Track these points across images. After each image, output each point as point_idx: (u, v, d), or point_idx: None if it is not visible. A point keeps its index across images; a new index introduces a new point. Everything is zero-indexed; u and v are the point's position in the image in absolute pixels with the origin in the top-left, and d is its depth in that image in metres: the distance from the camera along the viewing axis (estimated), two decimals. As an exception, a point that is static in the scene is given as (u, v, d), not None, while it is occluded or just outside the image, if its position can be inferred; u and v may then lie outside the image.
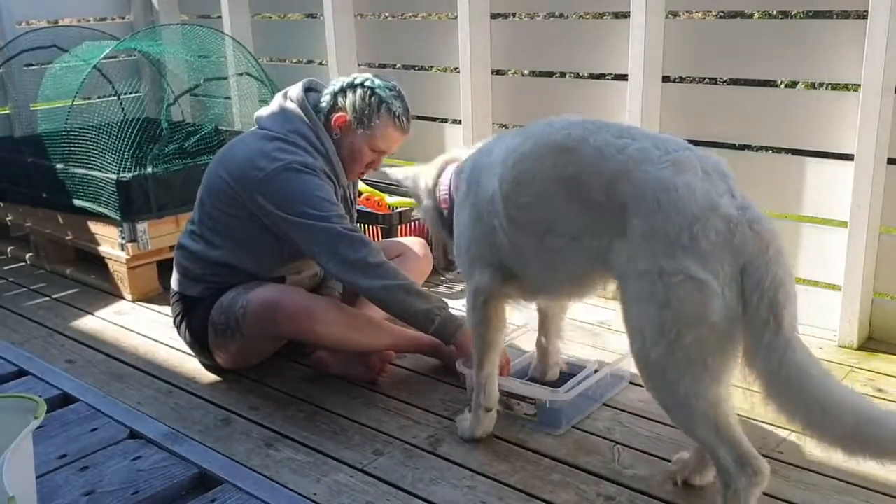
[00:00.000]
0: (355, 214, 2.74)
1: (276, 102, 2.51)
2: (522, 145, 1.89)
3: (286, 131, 2.41)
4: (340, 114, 2.42)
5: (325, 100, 2.46)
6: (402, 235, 3.28)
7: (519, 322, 2.62)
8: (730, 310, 1.55)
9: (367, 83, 2.40)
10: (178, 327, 2.60)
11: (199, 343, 2.52)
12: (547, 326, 2.36)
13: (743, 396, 2.31)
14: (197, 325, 2.50)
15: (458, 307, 2.92)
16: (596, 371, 2.30)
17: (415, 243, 2.89)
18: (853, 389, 1.56)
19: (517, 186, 1.86)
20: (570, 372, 2.38)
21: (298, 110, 2.45)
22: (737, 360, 1.61)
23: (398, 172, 2.38)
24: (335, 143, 2.45)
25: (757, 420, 2.18)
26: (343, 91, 2.43)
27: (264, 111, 2.53)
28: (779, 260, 1.55)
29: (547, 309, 2.33)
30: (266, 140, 2.40)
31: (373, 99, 2.38)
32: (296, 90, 2.48)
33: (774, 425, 2.15)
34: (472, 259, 2.05)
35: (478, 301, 2.04)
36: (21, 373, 2.40)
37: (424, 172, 2.29)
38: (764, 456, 1.98)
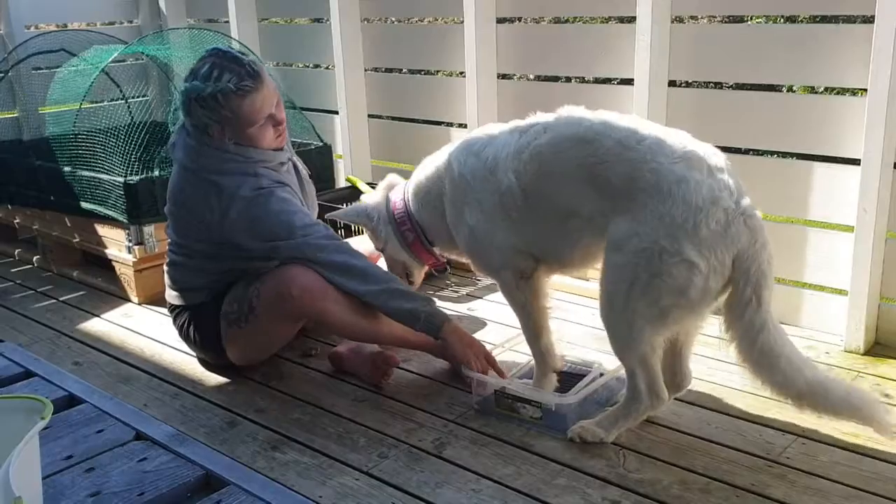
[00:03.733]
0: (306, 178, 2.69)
1: (179, 138, 2.47)
2: (538, 139, 2.07)
3: (199, 167, 2.40)
4: (211, 131, 2.36)
5: (192, 126, 2.39)
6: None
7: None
8: (706, 290, 1.89)
9: (188, 96, 2.31)
10: (186, 335, 2.58)
11: (211, 342, 2.52)
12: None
13: (750, 401, 2.31)
14: (207, 324, 2.50)
15: (461, 310, 2.91)
16: (601, 374, 2.29)
17: None
18: (808, 359, 1.98)
19: (539, 177, 2.05)
20: (576, 373, 2.37)
21: (193, 142, 2.42)
22: (690, 324, 2.02)
23: (345, 215, 2.52)
24: (239, 147, 2.39)
25: (763, 425, 2.18)
26: (189, 116, 2.37)
27: (179, 149, 2.47)
28: (763, 252, 1.90)
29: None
30: (202, 181, 2.39)
31: (208, 101, 2.29)
32: (182, 122, 2.45)
33: (782, 430, 2.15)
34: (496, 247, 2.19)
35: (519, 282, 2.21)
36: (28, 374, 2.41)
37: (371, 206, 2.48)
38: (771, 461, 2.01)
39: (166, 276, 2.61)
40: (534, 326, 2.27)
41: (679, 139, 1.96)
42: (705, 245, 1.85)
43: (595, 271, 2.19)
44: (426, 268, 2.60)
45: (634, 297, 1.92)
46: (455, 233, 2.29)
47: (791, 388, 1.92)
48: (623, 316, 1.97)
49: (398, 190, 2.46)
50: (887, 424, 1.89)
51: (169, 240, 2.60)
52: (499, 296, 2.67)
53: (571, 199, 2.03)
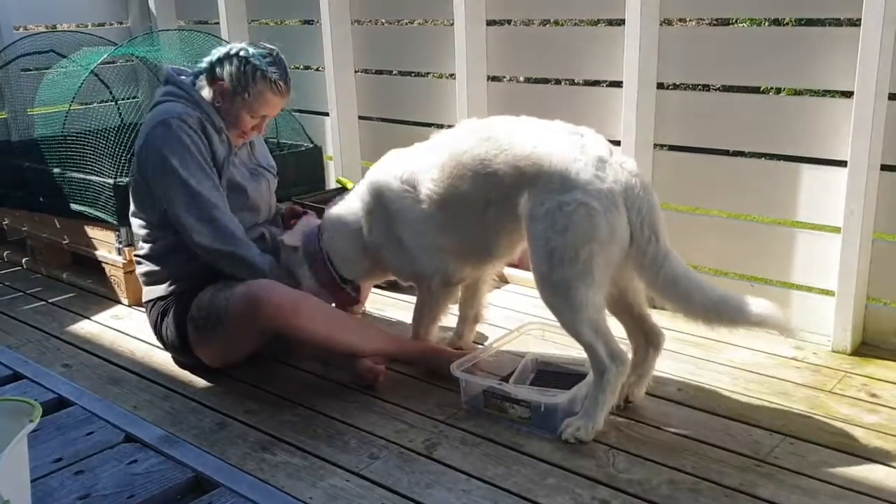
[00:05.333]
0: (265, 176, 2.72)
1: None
2: (447, 147, 2.29)
3: (158, 97, 2.54)
4: (219, 83, 2.48)
5: (202, 66, 2.53)
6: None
7: (512, 326, 2.63)
8: (612, 228, 2.02)
9: (242, 53, 2.46)
10: (159, 331, 2.60)
11: (181, 340, 2.51)
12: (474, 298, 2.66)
13: (738, 401, 2.33)
14: (175, 322, 2.50)
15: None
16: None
17: None
18: (711, 283, 2.08)
19: (453, 179, 2.25)
20: (568, 373, 2.38)
21: (170, 87, 2.55)
22: (613, 273, 2.09)
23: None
24: (216, 110, 2.50)
25: (752, 425, 2.19)
26: (220, 62, 2.49)
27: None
28: (646, 191, 2.08)
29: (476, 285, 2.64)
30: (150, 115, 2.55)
31: (248, 68, 2.44)
32: (164, 78, 2.61)
33: (770, 430, 2.16)
34: (426, 251, 2.39)
35: (442, 289, 2.46)
36: (17, 376, 2.41)
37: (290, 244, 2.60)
38: (759, 460, 2.02)
39: (138, 273, 2.66)
40: (432, 318, 2.55)
41: (554, 123, 2.22)
42: (592, 187, 2.03)
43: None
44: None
45: (556, 263, 2.05)
46: (385, 251, 2.47)
47: (696, 307, 2.05)
48: (556, 287, 2.08)
49: (312, 231, 2.62)
50: (787, 326, 2.06)
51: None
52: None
53: (483, 191, 2.21)
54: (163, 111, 2.46)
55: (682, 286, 2.05)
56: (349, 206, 2.55)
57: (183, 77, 2.56)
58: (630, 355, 2.22)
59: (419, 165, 2.36)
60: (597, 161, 2.06)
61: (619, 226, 2.04)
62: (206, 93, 2.52)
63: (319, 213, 3.32)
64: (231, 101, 2.48)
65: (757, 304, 2.04)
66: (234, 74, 2.46)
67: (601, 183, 2.03)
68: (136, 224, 2.60)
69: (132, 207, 2.61)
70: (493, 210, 2.23)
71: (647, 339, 2.27)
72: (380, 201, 2.43)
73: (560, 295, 2.09)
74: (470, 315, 2.68)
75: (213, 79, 2.50)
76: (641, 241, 2.06)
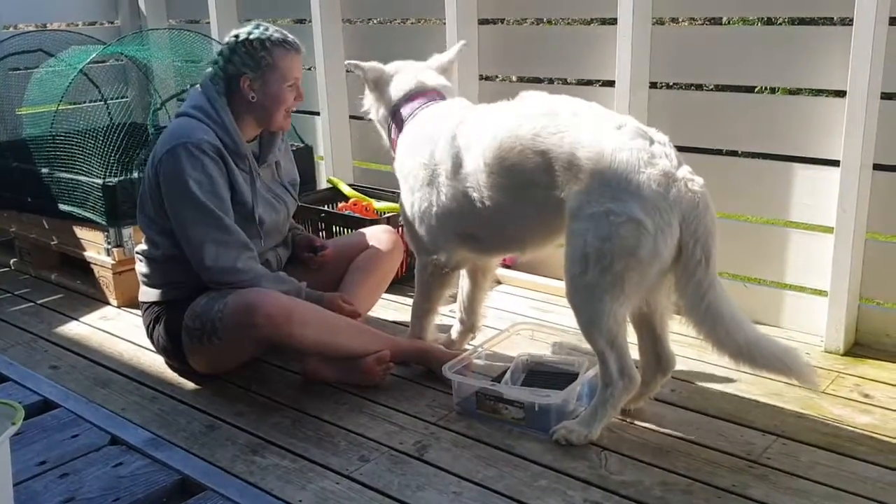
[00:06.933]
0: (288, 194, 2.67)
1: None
2: (505, 117, 2.21)
3: (188, 107, 2.48)
4: (241, 78, 2.42)
5: (219, 79, 2.46)
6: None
7: (503, 327, 2.62)
8: (656, 251, 1.93)
9: (239, 39, 2.44)
10: (151, 336, 2.57)
11: (175, 347, 2.49)
12: (473, 297, 2.63)
13: (731, 402, 2.32)
14: (169, 329, 2.48)
15: (440, 312, 2.89)
16: (586, 371, 2.29)
17: (380, 232, 2.83)
18: (749, 321, 2.01)
19: (504, 151, 2.16)
20: (560, 372, 2.37)
21: (200, 88, 2.51)
22: (645, 291, 2.02)
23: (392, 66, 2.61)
24: (255, 104, 2.44)
25: (744, 426, 2.18)
26: (228, 62, 2.44)
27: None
28: (707, 213, 1.96)
29: (477, 279, 2.62)
30: (176, 119, 2.51)
31: (252, 45, 2.42)
32: (201, 84, 2.54)
33: (762, 431, 2.15)
34: (437, 231, 2.37)
35: (435, 271, 2.45)
36: (2, 378, 2.39)
37: (419, 80, 2.58)
38: (752, 461, 2.01)
39: (137, 270, 2.63)
40: (427, 308, 2.56)
41: (622, 116, 2.11)
42: (649, 204, 1.91)
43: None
44: None
45: (590, 268, 1.97)
46: (420, 194, 2.38)
47: (731, 344, 1.97)
48: (583, 291, 2.02)
49: (442, 105, 2.51)
50: (813, 382, 2.02)
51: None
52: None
53: (528, 170, 2.11)
54: (185, 132, 2.39)
55: (724, 323, 1.95)
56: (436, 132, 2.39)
57: (214, 94, 2.46)
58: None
59: (480, 133, 2.24)
60: (662, 176, 1.93)
61: (666, 249, 1.94)
62: (238, 98, 2.44)
63: (315, 212, 3.32)
64: (261, 83, 2.42)
65: (791, 358, 1.98)
66: (246, 61, 2.41)
67: (661, 201, 1.92)
68: (143, 222, 2.56)
69: (140, 205, 2.56)
70: (533, 195, 2.13)
71: (658, 362, 2.20)
72: (444, 159, 2.32)
73: (584, 299, 2.02)
74: (467, 323, 2.66)
75: (231, 79, 2.43)
76: (690, 264, 1.94)
